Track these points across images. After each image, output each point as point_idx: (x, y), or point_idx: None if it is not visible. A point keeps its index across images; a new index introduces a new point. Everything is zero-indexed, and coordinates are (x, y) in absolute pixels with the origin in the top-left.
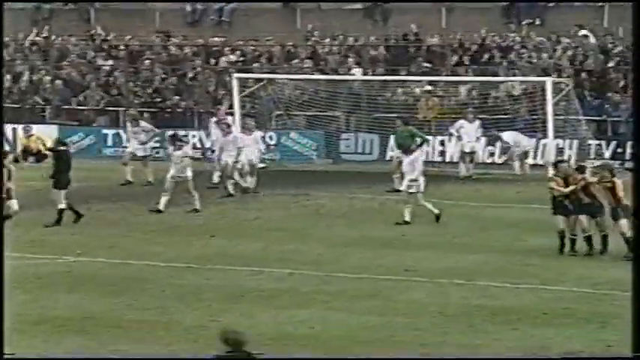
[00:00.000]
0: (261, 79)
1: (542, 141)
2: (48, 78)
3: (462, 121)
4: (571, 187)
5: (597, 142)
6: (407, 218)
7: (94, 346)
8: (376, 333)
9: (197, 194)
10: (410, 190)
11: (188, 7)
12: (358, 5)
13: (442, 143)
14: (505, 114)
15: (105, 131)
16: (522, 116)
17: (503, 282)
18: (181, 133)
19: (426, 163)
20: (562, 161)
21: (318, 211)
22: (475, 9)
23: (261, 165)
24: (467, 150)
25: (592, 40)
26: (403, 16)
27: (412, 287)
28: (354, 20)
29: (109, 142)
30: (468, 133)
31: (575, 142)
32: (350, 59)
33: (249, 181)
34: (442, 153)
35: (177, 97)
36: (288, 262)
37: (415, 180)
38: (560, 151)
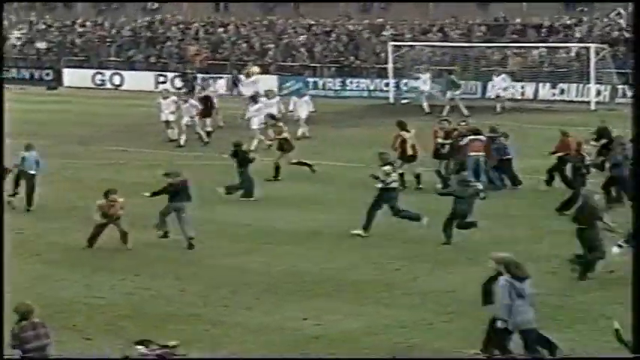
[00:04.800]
0: (406, 46)
1: (587, 85)
2: (271, 45)
3: (493, 76)
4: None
5: (622, 86)
6: None
7: (302, 214)
8: None
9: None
10: None
11: None
12: None
13: (522, 87)
14: (563, 68)
15: (308, 79)
16: (575, 70)
17: None
18: (354, 81)
19: (495, 99)
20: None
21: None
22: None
23: (405, 101)
24: (493, 95)
25: (622, 19)
26: (496, 4)
27: None
28: (465, 7)
29: (310, 87)
30: (495, 84)
31: (609, 87)
32: (460, 33)
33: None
34: (522, 94)
35: (352, 57)
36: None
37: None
38: (598, 92)
